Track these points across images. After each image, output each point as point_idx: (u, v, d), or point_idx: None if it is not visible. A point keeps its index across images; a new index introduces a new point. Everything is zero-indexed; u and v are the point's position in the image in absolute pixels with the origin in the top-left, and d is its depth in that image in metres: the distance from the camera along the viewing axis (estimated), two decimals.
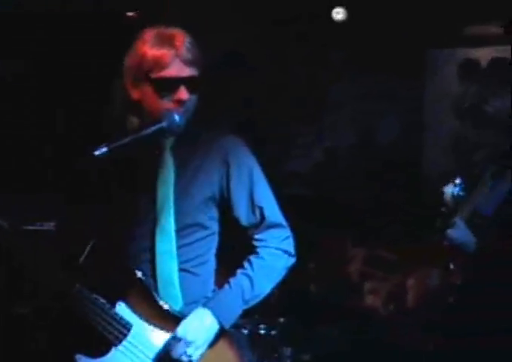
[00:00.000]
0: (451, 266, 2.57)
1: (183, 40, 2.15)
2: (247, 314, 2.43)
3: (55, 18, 4.49)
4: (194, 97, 2.19)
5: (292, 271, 2.35)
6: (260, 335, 3.68)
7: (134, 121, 2.24)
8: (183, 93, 2.14)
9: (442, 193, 2.57)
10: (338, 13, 4.65)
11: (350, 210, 5.00)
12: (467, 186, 2.75)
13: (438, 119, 4.63)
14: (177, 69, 2.13)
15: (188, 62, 2.14)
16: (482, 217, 2.57)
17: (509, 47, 4.32)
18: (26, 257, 2.15)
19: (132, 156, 2.21)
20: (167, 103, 2.15)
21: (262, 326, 3.70)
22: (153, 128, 2.14)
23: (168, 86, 2.14)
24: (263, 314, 3.67)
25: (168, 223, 2.19)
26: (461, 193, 2.54)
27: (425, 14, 4.59)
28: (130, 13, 5.01)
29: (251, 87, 5.36)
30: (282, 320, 3.81)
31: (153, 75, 2.13)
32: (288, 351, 3.78)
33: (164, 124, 2.14)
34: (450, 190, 2.55)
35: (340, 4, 4.64)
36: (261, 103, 5.37)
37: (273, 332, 3.70)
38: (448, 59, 4.66)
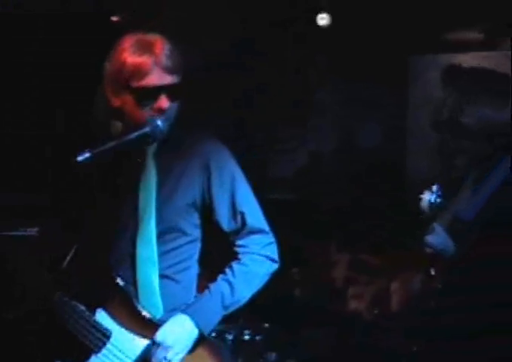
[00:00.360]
0: (432, 272, 2.58)
1: (162, 47, 2.13)
2: (231, 319, 2.44)
3: (56, 18, 4.48)
4: (175, 104, 2.18)
5: (277, 275, 2.34)
6: (244, 340, 3.68)
7: (118, 125, 2.23)
8: (163, 102, 2.13)
9: (420, 200, 2.58)
10: (323, 19, 4.66)
11: (335, 215, 5.02)
12: (445, 193, 2.77)
13: (421, 124, 4.66)
14: (157, 77, 2.11)
15: (168, 70, 2.12)
16: (463, 222, 2.58)
17: (491, 53, 4.40)
18: (10, 263, 2.16)
19: (115, 162, 2.20)
20: (147, 112, 2.13)
21: (247, 331, 3.70)
22: (136, 134, 2.13)
23: (148, 94, 2.12)
24: (247, 320, 3.68)
25: (150, 230, 2.18)
26: (438, 200, 2.54)
27: (408, 20, 4.63)
28: (115, 17, 5.02)
29: (236, 91, 5.39)
30: (266, 325, 3.82)
31: (133, 84, 2.11)
32: (272, 356, 3.78)
33: (147, 129, 2.13)
34: (427, 197, 2.55)
35: (324, 10, 4.65)
36: (246, 107, 5.40)
37: (258, 338, 3.71)
38: (431, 65, 4.69)
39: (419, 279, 2.70)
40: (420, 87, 4.73)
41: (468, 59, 4.34)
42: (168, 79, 2.12)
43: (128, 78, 2.11)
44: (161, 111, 2.14)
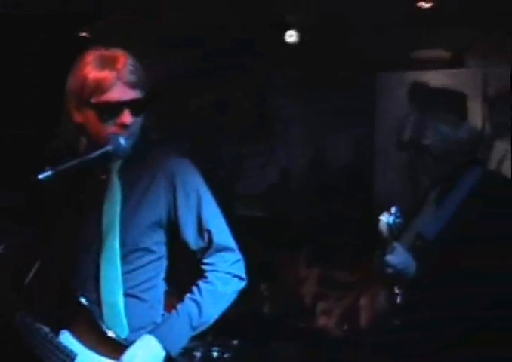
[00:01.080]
0: (396, 290, 2.60)
1: (125, 62, 2.11)
2: (200, 336, 2.42)
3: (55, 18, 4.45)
4: (139, 120, 2.16)
5: (246, 291, 2.31)
6: (213, 357, 3.66)
7: (83, 141, 2.21)
8: (126, 117, 2.10)
9: (378, 221, 2.60)
10: (291, 36, 4.69)
11: (304, 230, 5.03)
12: (408, 211, 2.80)
13: (388, 141, 4.70)
14: (119, 93, 2.08)
15: (131, 85, 2.09)
16: (425, 240, 2.61)
17: (457, 71, 4.46)
18: None
19: (80, 179, 2.18)
20: (110, 127, 2.11)
21: (215, 348, 3.68)
22: (98, 153, 2.10)
23: (110, 110, 2.09)
24: (216, 336, 3.66)
25: (114, 249, 2.15)
26: (397, 221, 2.57)
27: (377, 37, 4.68)
28: (83, 34, 5.00)
29: (200, 107, 5.41)
30: (235, 342, 3.80)
31: (94, 100, 2.09)
32: None
33: (109, 147, 2.10)
34: (385, 219, 2.58)
35: (293, 28, 4.69)
36: (212, 122, 5.41)
37: (227, 355, 3.69)
38: (399, 82, 4.74)
39: (384, 296, 2.72)
40: (388, 104, 4.77)
41: (435, 77, 4.40)
42: (130, 94, 2.10)
43: (89, 94, 2.09)
44: (124, 127, 2.11)
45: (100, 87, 2.07)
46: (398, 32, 4.60)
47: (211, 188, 2.30)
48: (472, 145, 2.67)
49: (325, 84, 5.02)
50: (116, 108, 2.09)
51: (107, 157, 2.13)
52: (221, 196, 2.35)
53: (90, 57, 2.13)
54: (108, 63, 2.10)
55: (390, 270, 2.55)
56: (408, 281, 2.55)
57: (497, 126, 4.45)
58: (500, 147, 4.43)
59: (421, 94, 2.92)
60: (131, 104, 2.10)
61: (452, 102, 2.74)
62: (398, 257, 2.54)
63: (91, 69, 2.10)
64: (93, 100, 2.09)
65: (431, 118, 2.63)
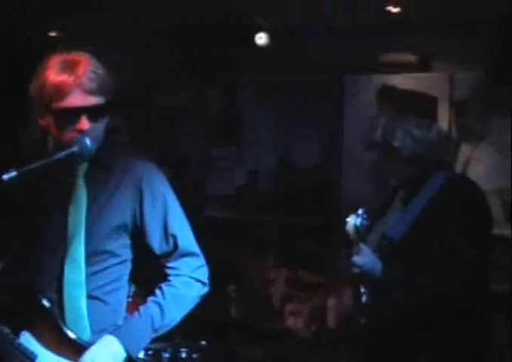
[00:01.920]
0: (362, 289, 2.62)
1: (86, 67, 2.08)
2: (167, 337, 2.43)
3: None
4: (101, 124, 2.15)
5: (214, 293, 2.33)
6: (181, 358, 3.66)
7: (50, 142, 2.20)
8: (83, 124, 2.08)
9: (345, 223, 2.63)
10: (261, 39, 4.71)
11: (273, 232, 5.05)
12: (376, 213, 2.83)
13: (356, 143, 4.73)
14: (77, 99, 2.06)
15: (90, 91, 2.07)
16: (390, 241, 2.64)
17: (424, 75, 4.51)
18: None
19: (46, 180, 2.17)
20: (69, 134, 2.09)
21: (183, 349, 3.69)
22: (64, 153, 2.08)
23: (67, 116, 2.07)
24: (184, 338, 3.66)
25: (78, 252, 2.14)
26: (364, 222, 2.60)
27: (344, 40, 4.72)
28: (53, 34, 4.98)
29: (166, 112, 5.41)
30: (203, 343, 3.82)
31: (53, 106, 2.07)
32: None
33: (75, 149, 2.08)
34: (352, 221, 2.61)
35: (262, 30, 4.70)
36: (179, 125, 5.41)
37: (195, 356, 3.69)
38: (367, 85, 4.78)
39: (350, 295, 2.75)
40: (356, 106, 4.81)
41: (403, 81, 4.45)
42: (89, 100, 2.08)
43: (49, 99, 2.07)
44: (82, 133, 2.09)
45: (58, 93, 2.06)
46: (366, 36, 4.65)
47: (178, 191, 2.30)
48: (441, 149, 2.70)
49: (292, 86, 5.05)
50: (74, 114, 2.07)
51: (73, 159, 2.12)
52: (189, 198, 2.37)
53: (53, 61, 2.11)
54: (68, 68, 2.07)
55: (356, 270, 2.58)
56: (374, 281, 2.57)
57: (463, 130, 4.52)
58: (466, 151, 4.50)
59: (391, 97, 2.94)
60: (89, 110, 2.08)
61: (423, 105, 2.76)
62: (364, 258, 2.56)
63: (51, 74, 2.07)
64: (52, 106, 2.08)
65: (401, 120, 2.65)
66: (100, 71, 2.11)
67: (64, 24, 4.72)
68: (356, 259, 2.57)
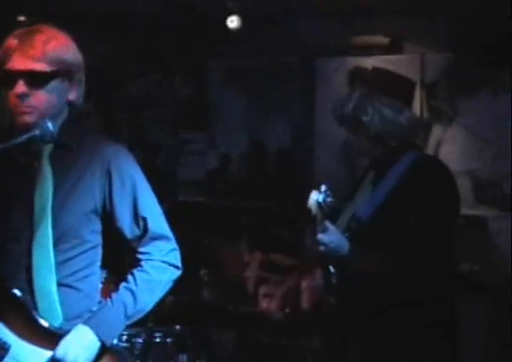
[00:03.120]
0: (331, 269, 2.63)
1: (37, 35, 2.09)
2: (141, 322, 2.42)
3: None
4: (52, 97, 2.11)
5: (187, 277, 2.30)
6: (155, 343, 3.67)
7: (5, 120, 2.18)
8: (18, 87, 2.06)
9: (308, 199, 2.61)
10: (233, 22, 4.67)
11: (246, 216, 5.06)
12: (346, 193, 2.83)
13: (328, 126, 4.75)
14: (16, 62, 2.06)
15: (31, 56, 2.06)
16: (360, 221, 2.65)
17: (395, 57, 4.52)
18: None
19: (7, 165, 2.13)
20: (12, 98, 2.09)
21: (157, 334, 3.69)
22: (24, 137, 2.05)
23: (6, 79, 2.07)
24: (157, 323, 3.66)
25: (45, 237, 2.10)
26: (327, 199, 2.58)
27: (315, 23, 4.71)
28: (21, 18, 4.91)
29: (137, 95, 5.38)
30: (177, 327, 3.82)
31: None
32: (184, 357, 3.78)
33: (36, 132, 2.06)
34: (315, 197, 2.59)
35: (234, 13, 4.67)
36: (149, 111, 5.38)
37: (169, 340, 3.70)
38: (338, 68, 4.78)
39: (321, 276, 2.75)
40: (328, 89, 4.81)
41: (375, 63, 4.45)
42: (28, 65, 2.06)
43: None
44: (20, 98, 2.07)
45: (3, 56, 2.08)
46: (336, 19, 4.64)
47: (150, 176, 2.27)
48: (409, 133, 2.71)
49: (264, 69, 5.04)
50: (12, 78, 2.06)
51: (34, 142, 2.09)
52: (161, 183, 2.34)
53: (16, 31, 2.12)
54: (22, 35, 2.09)
55: (321, 248, 2.57)
56: (340, 260, 2.58)
57: (434, 111, 4.54)
58: (436, 132, 4.53)
59: (368, 75, 2.93)
60: (28, 75, 2.07)
61: (398, 88, 2.75)
62: (330, 236, 2.56)
63: (7, 40, 2.10)
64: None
65: (374, 98, 2.65)
66: (54, 41, 2.10)
67: (31, 10, 4.66)
68: (322, 236, 2.56)
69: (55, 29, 2.16)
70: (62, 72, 2.11)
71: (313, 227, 2.61)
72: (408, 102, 2.78)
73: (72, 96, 2.16)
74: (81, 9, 4.55)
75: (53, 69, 2.09)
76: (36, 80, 2.08)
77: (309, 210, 2.62)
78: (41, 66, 2.07)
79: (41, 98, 2.10)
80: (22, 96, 2.07)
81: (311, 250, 2.65)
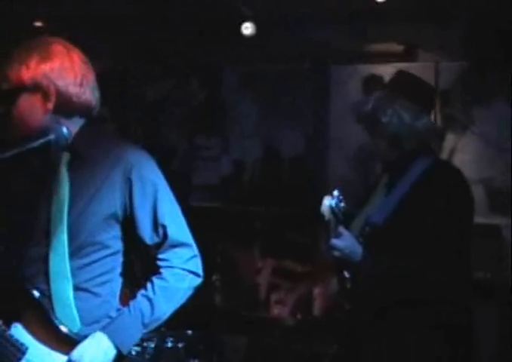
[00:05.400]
0: (346, 274, 2.63)
1: (13, 54, 2.16)
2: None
3: None
4: (25, 112, 2.14)
5: (201, 282, 2.29)
6: (167, 348, 3.66)
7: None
8: None
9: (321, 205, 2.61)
10: (247, 28, 4.68)
11: (259, 222, 5.06)
12: (360, 198, 2.83)
13: (341, 132, 4.75)
14: None
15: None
16: (373, 226, 2.64)
17: (410, 64, 4.52)
18: None
19: (24, 171, 2.16)
20: None
21: (169, 338, 3.68)
22: (40, 141, 2.08)
23: None
24: (169, 327, 3.66)
25: (61, 243, 2.11)
26: (340, 204, 2.58)
27: (330, 30, 4.72)
28: (38, 24, 4.95)
29: (153, 100, 5.40)
30: (189, 332, 3.82)
31: None
32: None
33: (52, 136, 2.09)
34: (327, 202, 2.59)
35: (249, 20, 4.68)
36: (164, 115, 5.39)
37: (180, 345, 3.69)
38: (353, 75, 4.79)
39: (335, 282, 2.74)
40: (341, 96, 4.81)
41: (389, 70, 4.45)
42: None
43: None
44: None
45: None
46: (352, 25, 4.65)
47: (169, 181, 2.27)
48: (425, 139, 2.71)
49: (278, 75, 5.05)
50: None
51: (49, 147, 2.12)
52: (175, 188, 2.34)
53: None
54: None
55: (336, 253, 2.57)
56: (354, 265, 2.58)
57: (448, 119, 4.54)
58: (450, 140, 4.52)
59: (382, 84, 2.94)
60: None
61: (419, 93, 2.76)
62: (344, 241, 2.56)
63: None
64: None
65: (395, 101, 2.65)
66: (15, 57, 2.15)
67: (46, 14, 4.69)
68: (336, 241, 2.56)
69: (36, 39, 2.20)
70: (23, 87, 2.13)
71: (326, 232, 2.61)
72: (429, 108, 2.78)
73: (50, 105, 2.15)
74: (97, 10, 4.57)
75: (11, 86, 2.13)
76: (3, 99, 2.14)
77: (322, 216, 2.62)
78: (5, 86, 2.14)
79: (15, 115, 2.14)
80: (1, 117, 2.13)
81: (326, 254, 2.63)
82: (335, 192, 2.60)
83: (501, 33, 4.25)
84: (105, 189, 2.16)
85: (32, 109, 2.14)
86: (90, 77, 2.21)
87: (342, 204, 2.58)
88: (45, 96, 2.14)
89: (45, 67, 2.13)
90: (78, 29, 2.31)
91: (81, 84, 2.17)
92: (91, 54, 2.25)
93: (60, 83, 2.14)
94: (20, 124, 2.14)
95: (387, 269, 2.56)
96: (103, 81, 2.24)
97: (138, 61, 5.32)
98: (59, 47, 2.18)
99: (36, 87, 2.13)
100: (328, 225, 2.60)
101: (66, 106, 2.16)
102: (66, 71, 2.16)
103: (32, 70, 2.12)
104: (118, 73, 5.27)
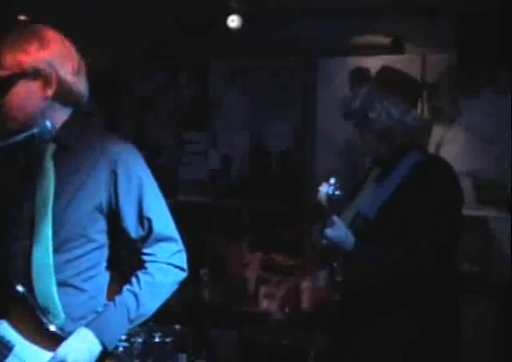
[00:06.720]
0: (335, 265, 2.62)
1: (5, 41, 2.10)
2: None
3: None
4: (23, 100, 2.10)
5: (188, 276, 2.27)
6: (155, 342, 3.66)
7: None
8: None
9: (318, 192, 2.60)
10: (233, 21, 4.66)
11: (247, 216, 5.06)
12: (351, 190, 2.83)
13: (330, 126, 4.75)
14: None
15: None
16: (365, 219, 2.64)
17: (397, 57, 4.52)
18: None
19: (8, 164, 2.14)
20: None
21: (157, 333, 3.68)
22: (23, 135, 2.05)
23: None
24: (157, 322, 3.65)
25: (46, 237, 2.09)
26: (336, 192, 2.57)
27: (316, 23, 4.71)
28: (22, 17, 4.91)
29: (141, 95, 5.38)
30: (177, 327, 3.81)
31: None
32: (183, 357, 3.78)
33: (34, 130, 2.06)
34: (324, 189, 2.57)
35: (235, 12, 4.66)
36: (152, 110, 5.38)
37: (168, 340, 3.69)
38: (340, 68, 4.78)
39: (324, 274, 2.74)
40: (328, 90, 4.81)
41: (376, 63, 4.44)
42: None
43: None
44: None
45: None
46: (339, 18, 4.64)
47: (152, 175, 2.24)
48: (415, 133, 2.71)
49: (266, 70, 5.04)
50: None
51: (34, 141, 2.09)
52: (162, 183, 2.33)
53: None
54: None
55: (328, 242, 2.57)
56: (345, 255, 2.57)
57: (435, 112, 4.54)
58: (437, 133, 4.52)
59: (374, 75, 2.94)
60: None
61: (406, 87, 2.75)
62: (337, 231, 2.56)
63: None
64: None
65: (383, 96, 2.65)
66: (10, 43, 2.10)
67: (31, 7, 4.66)
68: (329, 231, 2.56)
69: (28, 26, 2.15)
70: (22, 73, 2.10)
71: (321, 220, 2.60)
72: (415, 102, 2.78)
73: (49, 92, 2.13)
74: (83, 8, 4.54)
75: (9, 72, 2.09)
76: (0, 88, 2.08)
77: (318, 203, 2.60)
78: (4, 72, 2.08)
79: (11, 103, 2.10)
80: None
81: (317, 243, 2.62)
82: (332, 180, 2.59)
83: (489, 26, 4.25)
84: (90, 182, 2.13)
85: (31, 96, 2.11)
86: (83, 67, 2.19)
87: (338, 192, 2.57)
88: (46, 82, 2.11)
89: (45, 53, 2.10)
90: (64, 24, 2.27)
91: (77, 73, 2.16)
92: (80, 49, 2.22)
93: (61, 70, 2.12)
94: (16, 112, 2.10)
95: (377, 260, 2.57)
96: (94, 77, 2.22)
97: (128, 56, 5.30)
98: (54, 35, 2.15)
99: (36, 74, 2.09)
100: (323, 213, 2.59)
101: (62, 94, 2.14)
102: (65, 58, 2.14)
103: (33, 56, 2.09)
104: (108, 69, 5.26)
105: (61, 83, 2.12)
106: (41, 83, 2.11)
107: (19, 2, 4.53)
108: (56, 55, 2.12)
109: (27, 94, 2.11)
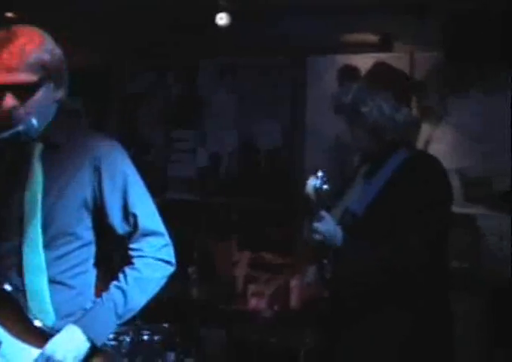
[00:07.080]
0: (325, 261, 2.61)
1: (12, 43, 2.01)
2: (129, 320, 2.40)
3: None
4: (42, 103, 2.08)
5: (176, 275, 2.28)
6: (143, 341, 3.65)
7: None
8: (8, 101, 2.01)
9: (305, 185, 2.59)
10: (222, 19, 4.66)
11: (236, 214, 5.05)
12: (339, 187, 2.83)
13: (319, 124, 4.75)
14: None
15: (10, 69, 1.99)
16: (353, 215, 2.64)
17: (385, 55, 4.52)
18: None
19: None
20: (2, 111, 2.03)
21: (145, 331, 3.67)
22: (9, 133, 2.03)
23: None
24: (145, 320, 3.65)
25: (35, 235, 2.09)
26: (324, 186, 2.56)
27: (305, 21, 4.71)
28: (9, 14, 4.89)
29: (130, 93, 5.37)
30: (165, 325, 3.80)
31: None
32: (172, 355, 3.77)
33: (19, 127, 2.03)
34: (312, 182, 2.56)
35: (223, 11, 4.65)
36: (141, 108, 5.37)
37: (157, 338, 3.68)
38: (329, 65, 4.78)
39: (313, 271, 2.73)
40: (318, 88, 4.81)
41: (364, 61, 4.45)
42: (10, 78, 2.00)
43: None
44: (9, 112, 2.03)
45: None
46: (327, 16, 4.64)
47: (140, 172, 2.25)
48: (405, 131, 2.71)
49: (254, 68, 5.03)
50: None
51: (19, 138, 2.07)
52: (151, 180, 2.33)
53: None
54: None
55: (317, 236, 2.56)
56: (334, 250, 2.57)
57: (423, 110, 4.54)
58: (425, 131, 4.53)
59: (358, 75, 2.93)
60: (12, 88, 2.01)
61: (398, 84, 2.75)
62: (325, 225, 2.55)
63: None
64: None
65: (375, 92, 2.65)
66: (31, 45, 2.03)
67: (20, 5, 4.64)
68: (318, 225, 2.55)
69: (27, 27, 2.10)
70: (46, 76, 2.07)
71: (310, 214, 2.59)
72: (407, 99, 2.78)
73: (59, 94, 2.14)
74: (74, 8, 4.53)
75: (38, 76, 2.04)
76: (24, 90, 2.03)
77: (306, 197, 2.59)
78: (26, 77, 2.02)
79: (32, 106, 2.07)
80: (12, 110, 2.03)
81: (309, 239, 2.61)
82: (319, 173, 2.58)
83: (477, 24, 4.26)
84: (76, 179, 2.13)
85: (49, 99, 2.11)
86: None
87: (325, 186, 2.56)
88: (58, 84, 2.10)
89: (59, 53, 2.10)
90: (54, 22, 2.26)
91: (67, 72, 2.16)
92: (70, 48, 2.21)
93: (65, 72, 2.13)
94: (34, 116, 2.05)
95: (368, 255, 2.56)
96: (78, 75, 2.21)
97: (117, 55, 5.29)
98: (47, 36, 2.12)
99: (48, 77, 2.07)
100: (311, 207, 2.58)
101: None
102: (63, 60, 2.13)
103: (51, 56, 2.06)
104: (99, 67, 5.24)
105: (65, 84, 2.14)
106: (55, 86, 2.11)
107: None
108: (61, 57, 2.13)
109: (47, 98, 2.10)
